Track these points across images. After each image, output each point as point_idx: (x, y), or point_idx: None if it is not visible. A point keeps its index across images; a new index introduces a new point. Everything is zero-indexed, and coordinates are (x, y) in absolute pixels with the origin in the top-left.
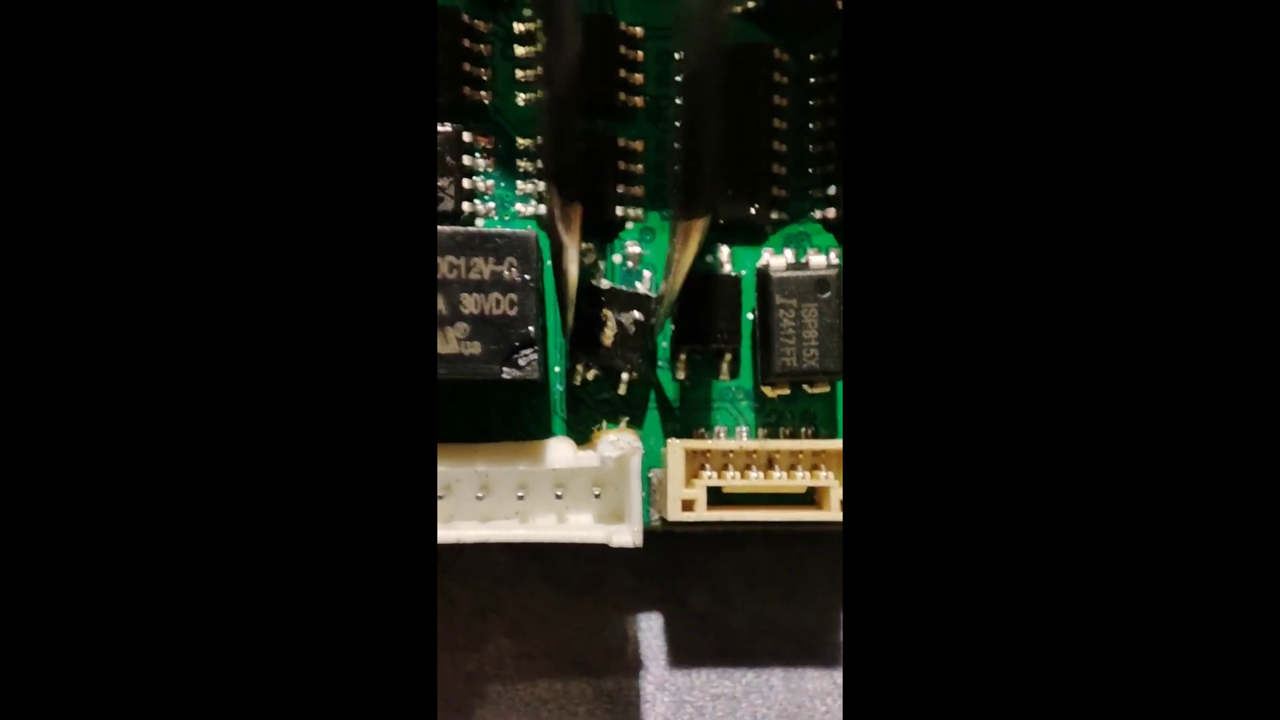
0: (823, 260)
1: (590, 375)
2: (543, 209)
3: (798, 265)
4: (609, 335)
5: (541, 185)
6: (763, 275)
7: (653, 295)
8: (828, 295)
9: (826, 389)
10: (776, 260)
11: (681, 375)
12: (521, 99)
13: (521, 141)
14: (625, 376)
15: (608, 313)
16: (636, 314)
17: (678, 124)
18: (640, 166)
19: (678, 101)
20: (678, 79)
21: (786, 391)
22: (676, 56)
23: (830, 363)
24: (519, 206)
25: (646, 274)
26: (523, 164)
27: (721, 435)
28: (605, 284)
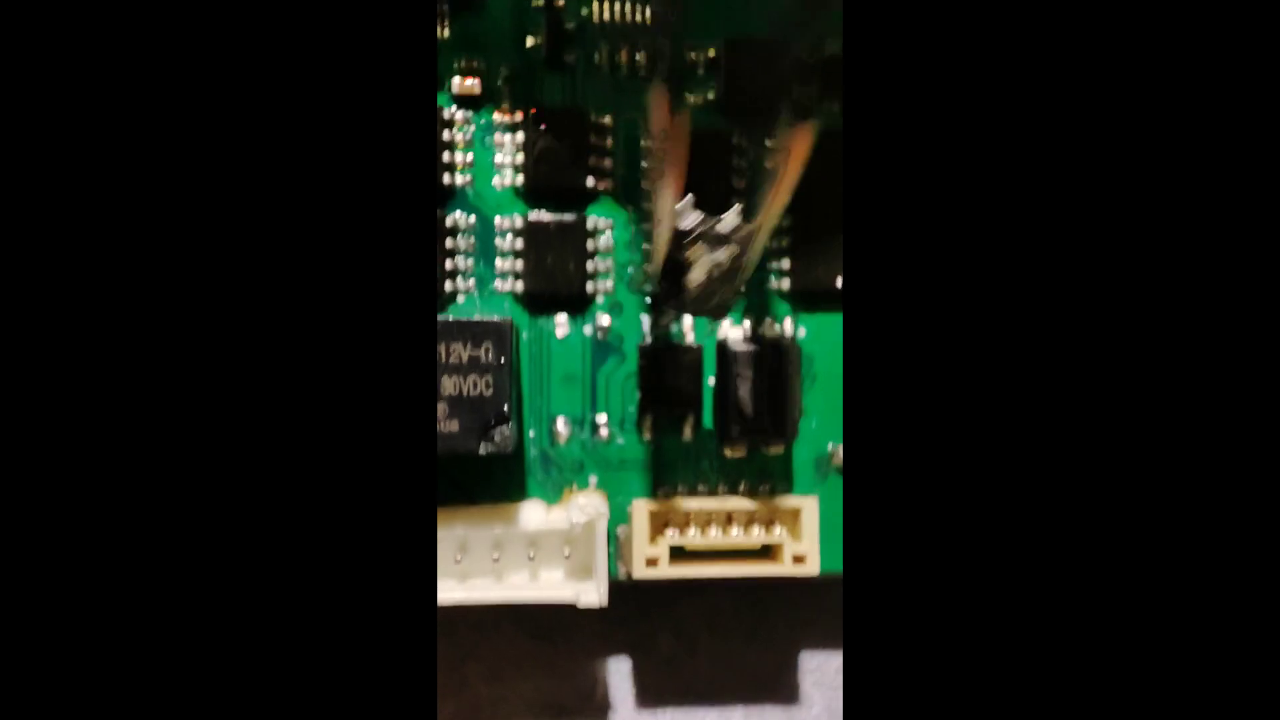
0: (776, 331)
1: (671, 324)
2: (519, 286)
3: (754, 337)
4: (698, 275)
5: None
6: (721, 347)
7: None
8: (779, 367)
9: (781, 450)
10: (734, 332)
11: (648, 436)
12: (497, 182)
13: (499, 222)
14: (714, 319)
15: (698, 251)
16: (724, 251)
17: None
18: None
19: None
20: (643, 163)
21: (743, 454)
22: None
23: (784, 428)
24: (497, 283)
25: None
26: (499, 242)
27: (684, 493)
28: (692, 221)
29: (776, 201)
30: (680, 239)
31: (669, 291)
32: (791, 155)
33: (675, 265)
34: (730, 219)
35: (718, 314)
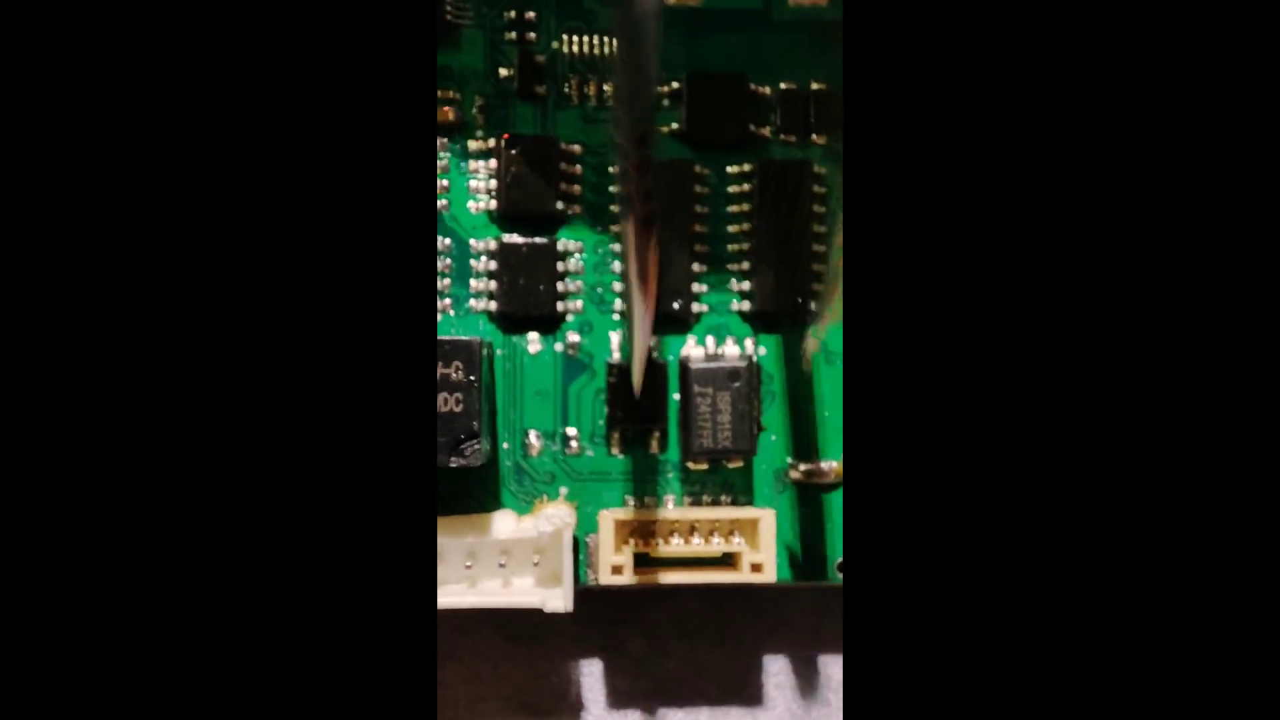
0: (736, 351)
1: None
2: (493, 305)
3: (714, 356)
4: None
5: (491, 283)
6: (683, 365)
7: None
8: (738, 385)
9: (741, 464)
10: (696, 351)
11: (616, 450)
12: (472, 206)
13: (474, 245)
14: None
15: (707, 393)
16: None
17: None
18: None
19: None
20: (611, 189)
21: (705, 467)
22: (611, 170)
23: (743, 443)
24: (472, 302)
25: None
26: (474, 264)
27: (651, 505)
28: (697, 359)
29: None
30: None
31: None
32: (652, 253)
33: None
34: (731, 350)
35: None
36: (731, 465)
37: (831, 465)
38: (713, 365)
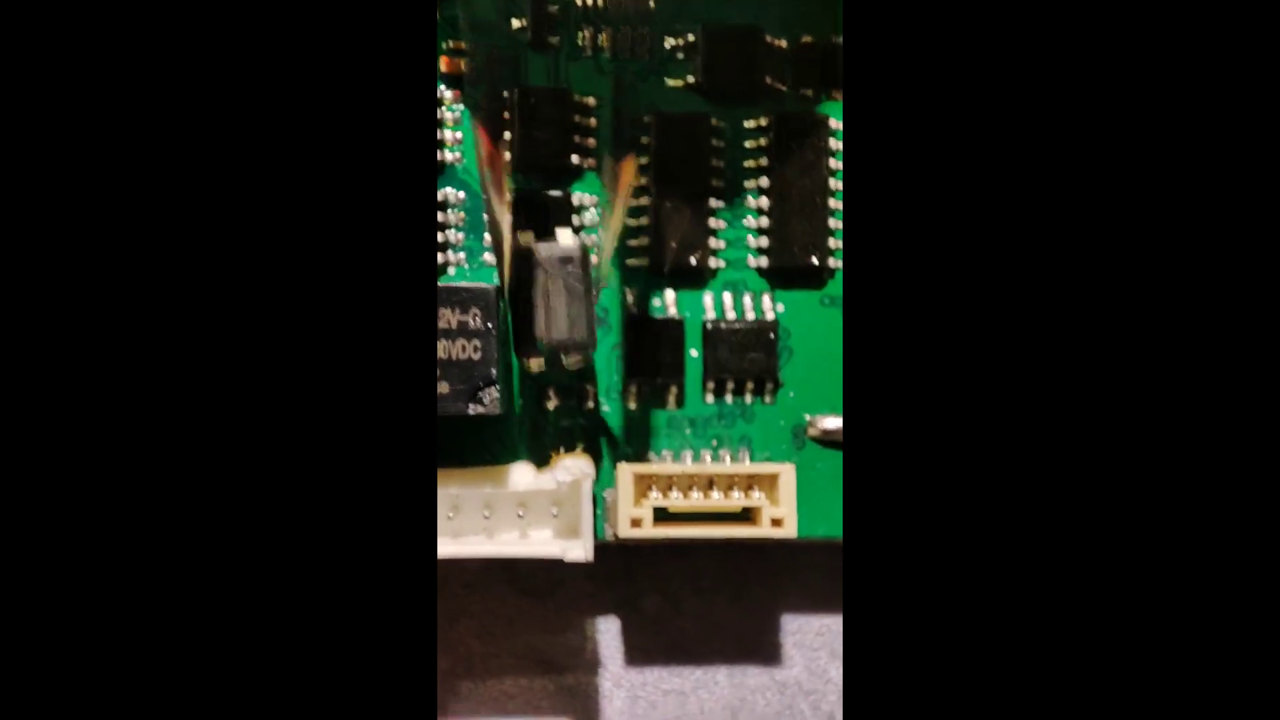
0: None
1: (535, 367)
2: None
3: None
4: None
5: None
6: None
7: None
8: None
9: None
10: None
11: (633, 405)
12: None
13: None
14: (569, 360)
15: (542, 279)
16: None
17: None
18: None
19: None
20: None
21: (543, 367)
22: None
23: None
24: (486, 256)
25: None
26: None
27: (668, 459)
28: (533, 241)
29: (614, 222)
30: (520, 269)
31: (522, 336)
32: (620, 183)
33: (521, 303)
34: (566, 238)
35: (578, 354)
36: (569, 364)
37: None
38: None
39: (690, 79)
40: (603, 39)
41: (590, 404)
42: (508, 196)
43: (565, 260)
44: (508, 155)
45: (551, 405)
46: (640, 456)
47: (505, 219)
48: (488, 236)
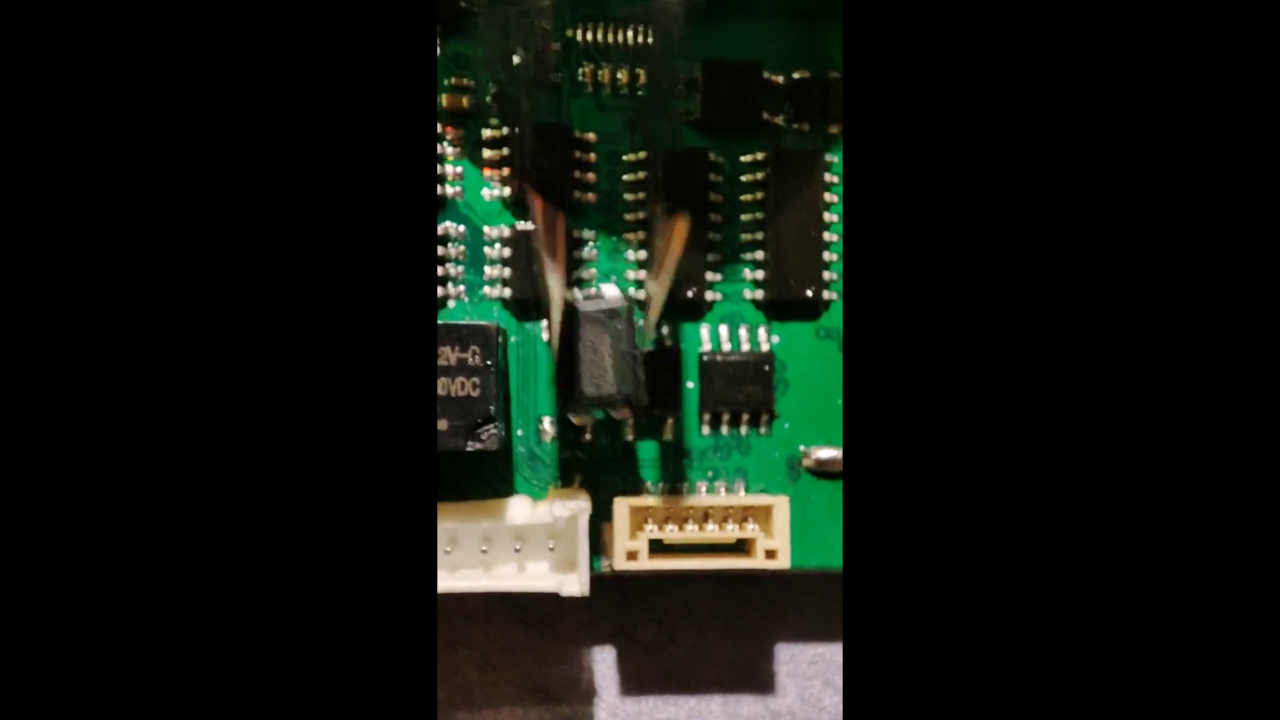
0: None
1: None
2: (507, 292)
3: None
4: (589, 365)
5: (504, 265)
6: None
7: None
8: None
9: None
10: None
11: (629, 436)
12: (486, 194)
13: (488, 232)
14: (619, 415)
15: (588, 337)
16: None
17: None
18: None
19: None
20: (624, 177)
21: (589, 420)
22: (625, 158)
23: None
24: (485, 289)
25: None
26: (488, 251)
27: (664, 490)
28: (578, 296)
29: (664, 278)
30: (566, 325)
31: (565, 389)
32: (673, 239)
33: (566, 357)
34: (610, 291)
35: (626, 408)
36: (617, 416)
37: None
38: (597, 308)
39: (691, 116)
40: (603, 75)
41: (587, 437)
42: (563, 261)
43: (610, 315)
44: (563, 219)
45: (548, 439)
46: (636, 489)
47: (558, 284)
48: (488, 273)
